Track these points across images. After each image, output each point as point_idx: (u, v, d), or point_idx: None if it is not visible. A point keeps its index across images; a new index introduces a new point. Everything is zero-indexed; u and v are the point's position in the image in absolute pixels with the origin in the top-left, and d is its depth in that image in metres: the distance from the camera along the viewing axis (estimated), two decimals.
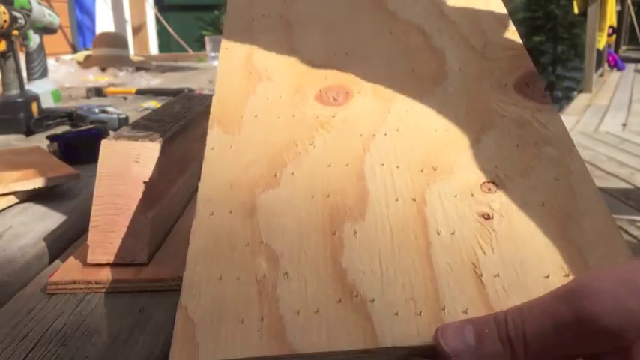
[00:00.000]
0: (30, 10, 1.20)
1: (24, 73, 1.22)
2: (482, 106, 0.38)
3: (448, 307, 0.27)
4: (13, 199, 0.63)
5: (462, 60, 0.42)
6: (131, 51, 2.97)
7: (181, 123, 0.55)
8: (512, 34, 0.44)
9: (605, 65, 7.82)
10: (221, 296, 0.28)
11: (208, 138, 0.37)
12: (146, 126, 0.51)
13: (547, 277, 0.28)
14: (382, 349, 0.26)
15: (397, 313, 0.27)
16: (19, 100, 1.09)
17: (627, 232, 2.22)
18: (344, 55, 0.44)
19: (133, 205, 0.45)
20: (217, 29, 6.35)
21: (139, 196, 0.45)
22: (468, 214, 0.31)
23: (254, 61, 0.44)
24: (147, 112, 1.21)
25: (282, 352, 0.26)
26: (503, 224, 0.30)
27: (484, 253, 0.29)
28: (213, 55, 1.70)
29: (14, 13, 1.08)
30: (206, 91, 1.59)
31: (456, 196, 0.32)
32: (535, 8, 9.34)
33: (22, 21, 1.11)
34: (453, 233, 0.30)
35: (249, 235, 0.31)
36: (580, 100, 5.70)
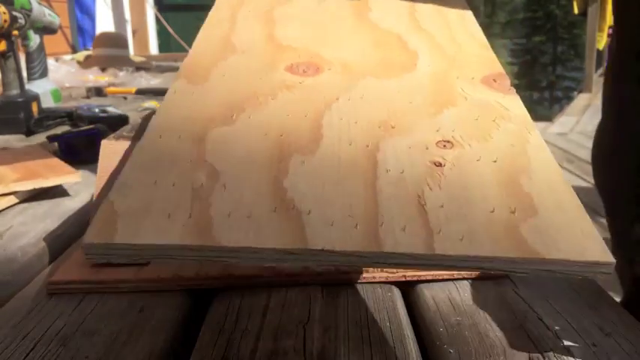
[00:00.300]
0: (30, 10, 1.20)
1: (24, 73, 1.22)
2: (447, 90, 0.39)
3: (386, 224, 0.27)
4: (13, 199, 0.63)
5: (433, 60, 0.43)
6: (131, 51, 2.97)
7: None
8: (486, 47, 0.46)
9: (605, 65, 7.82)
10: (151, 196, 0.28)
11: (171, 86, 0.37)
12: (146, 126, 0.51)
13: (492, 211, 0.28)
14: (311, 252, 0.25)
15: (332, 224, 0.26)
16: (19, 100, 1.09)
17: None
18: (321, 44, 0.45)
19: None
20: None
21: None
22: (420, 160, 0.31)
23: (232, 37, 0.45)
24: (147, 112, 1.21)
25: (203, 242, 0.25)
26: (454, 171, 0.30)
27: (431, 189, 0.29)
28: None
29: (14, 13, 1.08)
30: None
31: (410, 148, 0.32)
32: (535, 8, 9.33)
33: (22, 21, 1.11)
34: (402, 172, 0.30)
35: (194, 155, 0.30)
36: (580, 100, 5.69)
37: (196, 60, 0.41)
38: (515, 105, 0.38)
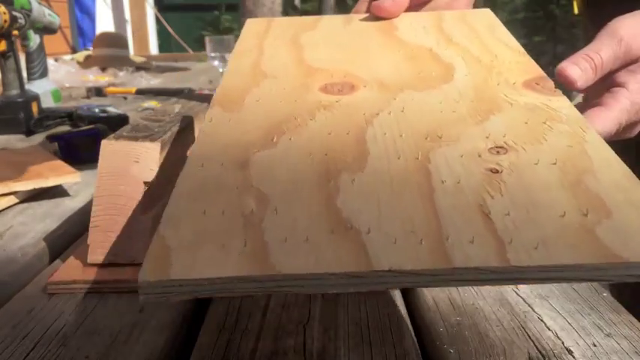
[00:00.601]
0: (30, 10, 1.20)
1: (24, 73, 1.22)
2: (490, 97, 0.38)
3: (452, 238, 0.25)
4: (13, 199, 0.63)
5: (470, 69, 0.42)
6: (131, 51, 2.98)
7: (181, 123, 0.55)
8: (522, 54, 0.44)
9: None
10: (203, 227, 0.27)
11: (207, 114, 0.37)
12: (146, 126, 0.51)
13: (563, 215, 0.26)
14: (377, 274, 0.24)
15: (395, 242, 0.25)
16: (19, 100, 1.09)
17: None
18: (352, 64, 0.44)
19: (133, 205, 0.45)
20: (217, 29, 6.35)
21: (139, 196, 0.45)
22: (475, 169, 0.30)
23: (261, 65, 0.45)
24: (147, 112, 1.21)
25: (263, 272, 0.24)
26: (513, 177, 0.29)
27: (492, 197, 0.27)
28: (212, 55, 1.70)
29: (14, 13, 1.08)
30: (206, 91, 1.59)
31: (462, 156, 0.31)
32: (535, 8, 9.33)
33: (22, 21, 1.11)
34: (458, 182, 0.29)
35: (240, 181, 0.30)
36: (580, 100, 5.69)
37: (229, 88, 0.41)
38: (564, 105, 0.36)
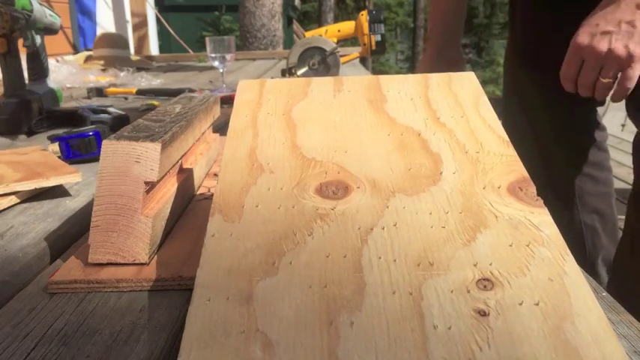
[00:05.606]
0: (31, 11, 1.20)
1: (25, 74, 1.22)
2: (477, 207, 0.40)
3: None
4: (14, 199, 0.63)
5: (457, 163, 0.44)
6: (132, 51, 2.98)
7: (182, 123, 0.55)
8: (506, 143, 0.46)
9: None
10: None
11: (209, 225, 0.38)
12: (147, 126, 0.52)
13: None
14: None
15: None
16: (21, 100, 1.09)
17: None
18: (343, 153, 0.46)
19: (134, 205, 0.45)
20: (218, 30, 6.36)
21: (140, 196, 0.45)
22: (464, 309, 0.32)
23: (257, 154, 0.46)
24: (148, 112, 1.21)
25: None
26: (499, 322, 0.31)
27: (480, 349, 0.29)
28: (213, 55, 1.70)
29: (15, 14, 1.08)
30: (206, 92, 1.59)
31: (452, 292, 0.33)
32: None
33: (23, 21, 1.12)
34: (449, 328, 0.30)
35: (245, 322, 0.31)
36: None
37: (227, 187, 0.42)
38: (544, 222, 0.38)
